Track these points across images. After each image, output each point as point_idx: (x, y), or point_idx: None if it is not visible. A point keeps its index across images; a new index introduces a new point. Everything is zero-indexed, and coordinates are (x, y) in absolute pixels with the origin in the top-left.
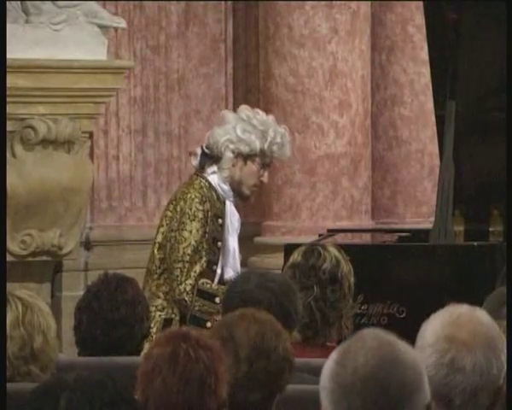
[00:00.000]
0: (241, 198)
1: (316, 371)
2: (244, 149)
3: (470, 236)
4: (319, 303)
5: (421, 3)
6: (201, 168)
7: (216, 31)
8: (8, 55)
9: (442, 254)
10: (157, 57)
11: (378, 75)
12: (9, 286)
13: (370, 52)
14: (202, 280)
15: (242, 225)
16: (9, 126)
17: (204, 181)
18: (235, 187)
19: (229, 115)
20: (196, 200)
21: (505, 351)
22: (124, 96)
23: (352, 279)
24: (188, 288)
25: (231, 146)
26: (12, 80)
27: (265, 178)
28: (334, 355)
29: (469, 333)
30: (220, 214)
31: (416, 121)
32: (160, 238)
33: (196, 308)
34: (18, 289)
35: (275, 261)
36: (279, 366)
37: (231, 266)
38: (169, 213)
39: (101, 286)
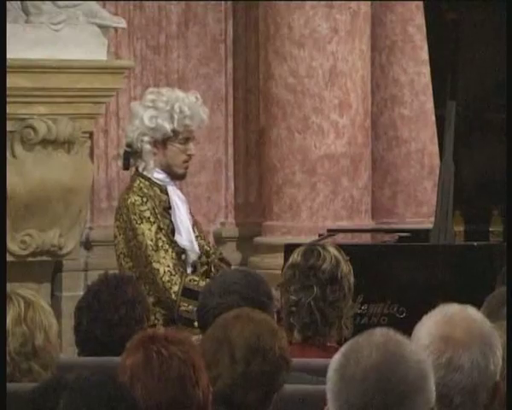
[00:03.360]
0: (176, 178)
1: (315, 372)
2: (157, 135)
3: (470, 236)
4: (319, 303)
5: (421, 3)
6: (126, 168)
7: (216, 31)
8: (9, 55)
9: (442, 254)
10: (157, 57)
11: (378, 75)
12: (9, 286)
13: (370, 52)
14: (189, 277)
15: (243, 225)
16: (9, 126)
17: (143, 180)
18: (167, 171)
19: (135, 107)
20: (137, 203)
21: (500, 346)
22: (124, 96)
23: (352, 279)
24: (167, 285)
25: (145, 138)
26: (12, 80)
27: (192, 151)
28: (342, 348)
29: (464, 331)
30: (169, 206)
31: (416, 121)
32: (121, 249)
33: (183, 308)
34: (21, 288)
35: (275, 261)
36: (276, 365)
37: (190, 249)
38: (118, 224)
39: (101, 286)
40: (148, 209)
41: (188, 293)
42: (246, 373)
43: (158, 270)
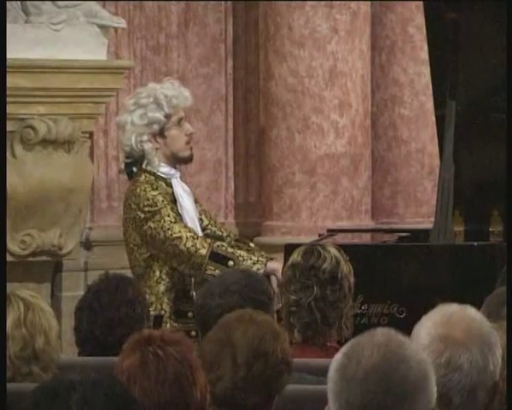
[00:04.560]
0: (185, 162)
1: (315, 372)
2: (154, 128)
3: (470, 236)
4: (319, 303)
5: (421, 3)
6: (131, 176)
7: (216, 31)
8: (9, 55)
9: (442, 255)
10: (157, 57)
11: (378, 75)
12: (9, 286)
13: (370, 52)
14: (218, 243)
15: (243, 225)
16: (9, 126)
17: (148, 175)
18: (174, 159)
19: (121, 118)
20: (148, 189)
21: (499, 346)
22: (124, 96)
23: (352, 279)
24: (192, 250)
25: (144, 138)
26: (12, 80)
27: (190, 129)
28: (344, 348)
29: (463, 331)
30: (175, 199)
31: (416, 121)
32: (132, 241)
33: (209, 272)
34: (20, 289)
35: None
36: (277, 368)
37: None
38: (127, 216)
39: (101, 286)
40: (160, 194)
41: (216, 257)
42: (247, 377)
43: (180, 238)
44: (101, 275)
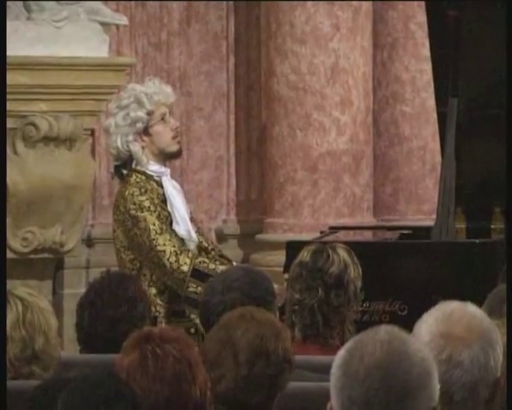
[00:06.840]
0: (174, 157)
1: (316, 369)
2: (138, 127)
3: (472, 233)
4: (322, 306)
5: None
6: (121, 178)
7: (217, 28)
8: (10, 52)
9: (443, 252)
10: (159, 54)
11: (380, 72)
12: (10, 283)
13: (372, 49)
14: (200, 259)
15: (244, 222)
16: (11, 123)
17: (139, 175)
18: (162, 156)
19: (106, 122)
20: (136, 193)
21: (500, 342)
22: None
23: (359, 284)
24: (174, 266)
25: (129, 138)
26: (13, 77)
27: (174, 123)
28: (347, 344)
29: (464, 328)
30: (166, 198)
31: (417, 118)
32: (120, 242)
33: (191, 290)
34: (18, 288)
35: (276, 259)
36: (279, 367)
37: (188, 238)
38: (116, 217)
39: (103, 283)
40: (148, 199)
41: (197, 274)
42: (249, 376)
43: (164, 251)
44: (103, 272)
